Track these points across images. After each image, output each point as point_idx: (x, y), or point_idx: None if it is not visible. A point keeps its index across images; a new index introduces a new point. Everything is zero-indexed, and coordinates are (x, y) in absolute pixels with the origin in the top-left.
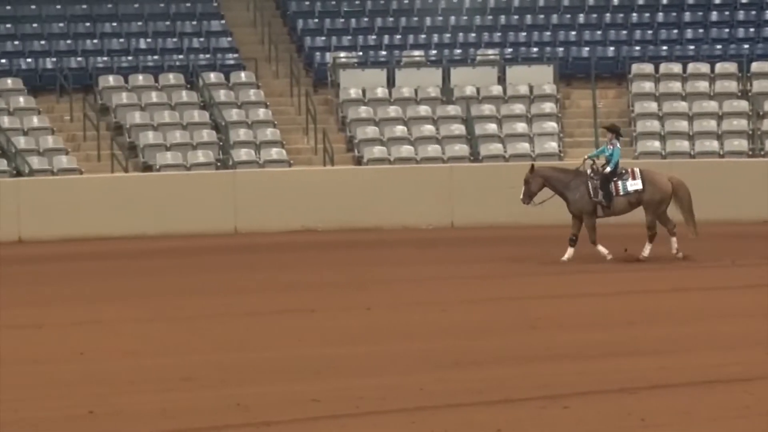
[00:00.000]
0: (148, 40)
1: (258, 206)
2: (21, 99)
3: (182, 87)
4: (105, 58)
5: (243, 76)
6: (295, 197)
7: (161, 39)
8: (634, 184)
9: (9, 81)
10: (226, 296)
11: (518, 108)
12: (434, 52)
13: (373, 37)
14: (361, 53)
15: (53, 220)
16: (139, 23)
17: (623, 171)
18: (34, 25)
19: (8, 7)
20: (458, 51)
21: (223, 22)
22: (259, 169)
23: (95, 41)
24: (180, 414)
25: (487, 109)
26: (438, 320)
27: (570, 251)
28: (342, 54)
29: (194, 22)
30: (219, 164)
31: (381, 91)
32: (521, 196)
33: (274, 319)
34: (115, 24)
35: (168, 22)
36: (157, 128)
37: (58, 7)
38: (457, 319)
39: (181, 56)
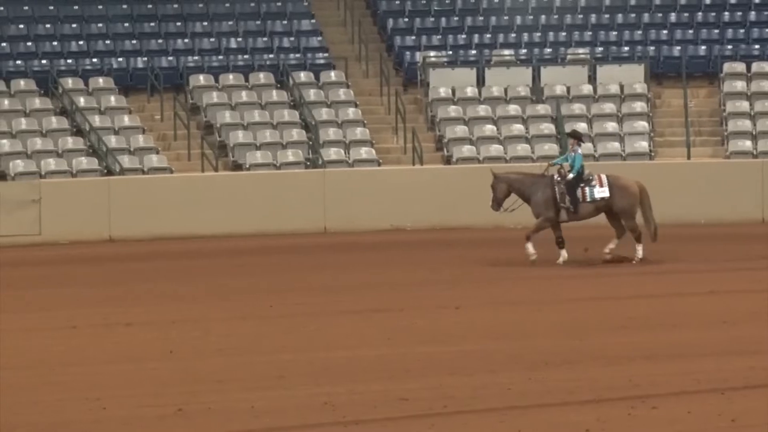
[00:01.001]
0: (239, 39)
1: (347, 205)
2: (112, 98)
3: (272, 86)
4: (196, 58)
5: (333, 75)
6: (384, 196)
7: (252, 38)
8: (601, 192)
9: (100, 80)
10: (316, 295)
11: (608, 107)
12: (524, 51)
13: (463, 36)
14: (450, 52)
15: (143, 219)
16: (230, 23)
17: (590, 177)
18: (126, 24)
19: (100, 7)
20: (548, 50)
21: (313, 21)
22: (349, 169)
23: (186, 41)
24: (269, 412)
25: (577, 108)
26: (529, 319)
27: (563, 253)
28: (432, 53)
29: (285, 22)
30: (308, 163)
31: (471, 90)
32: (490, 203)
33: (363, 317)
34: (206, 23)
35: (258, 22)
36: (247, 127)
37: (149, 6)
38: (548, 319)
39: (271, 55)
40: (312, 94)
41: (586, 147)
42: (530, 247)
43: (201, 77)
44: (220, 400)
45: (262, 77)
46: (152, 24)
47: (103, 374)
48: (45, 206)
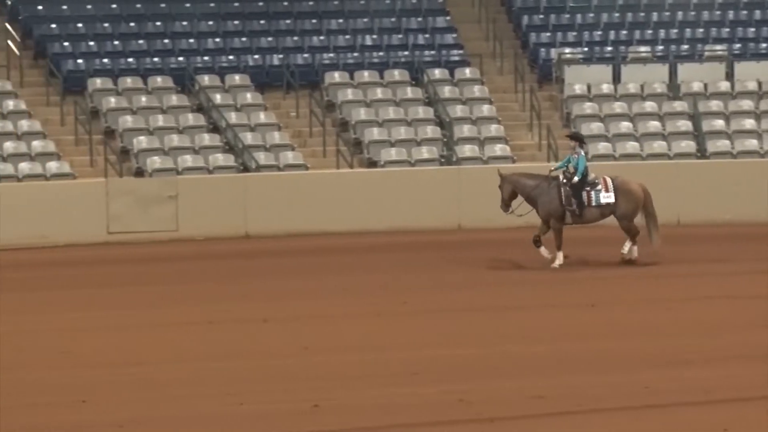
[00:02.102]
0: (374, 36)
1: (482, 202)
2: (248, 95)
3: (407, 83)
4: (331, 55)
5: (468, 72)
6: None
7: (387, 35)
8: (607, 197)
9: (237, 77)
10: (450, 292)
11: (746, 104)
12: (661, 47)
13: (599, 32)
14: (586, 49)
15: (279, 216)
16: (365, 20)
17: (596, 181)
18: (262, 21)
19: (236, 4)
20: (685, 46)
21: (448, 18)
22: (483, 166)
23: (322, 38)
24: (403, 409)
25: (715, 105)
26: (663, 318)
27: (542, 250)
28: (567, 50)
29: (420, 19)
30: (443, 161)
31: (606, 87)
32: (500, 205)
33: (497, 314)
34: (341, 21)
35: (393, 19)
36: (382, 124)
37: (285, 3)
38: (682, 317)
39: (406, 53)
40: (446, 91)
41: (723, 144)
42: (560, 256)
43: (336, 74)
44: (354, 397)
45: (396, 74)
46: (288, 21)
47: (239, 370)
48: (182, 203)
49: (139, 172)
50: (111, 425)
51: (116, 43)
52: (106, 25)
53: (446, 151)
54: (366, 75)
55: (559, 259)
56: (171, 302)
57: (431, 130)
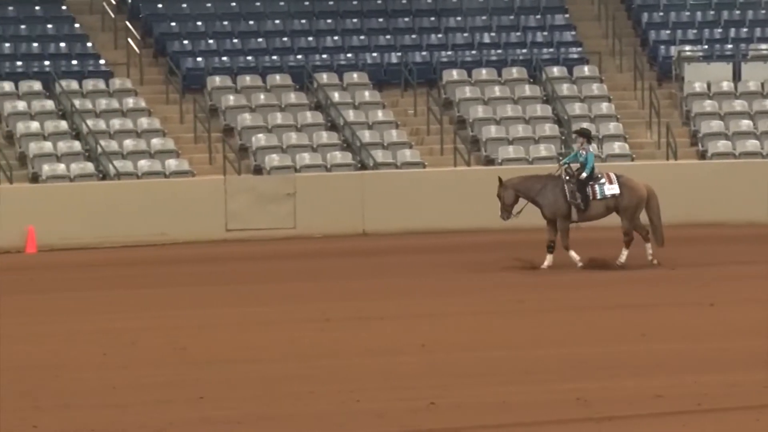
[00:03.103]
0: (492, 34)
1: None
2: (366, 93)
3: (525, 81)
4: (449, 53)
5: (586, 70)
6: None
7: (505, 33)
8: (611, 189)
9: (355, 75)
10: (566, 290)
11: None
12: None
13: (719, 30)
14: (706, 46)
15: (397, 213)
16: (484, 17)
17: (599, 175)
18: (380, 20)
19: (355, 2)
20: None
21: (566, 16)
22: (602, 164)
23: (440, 36)
24: (520, 407)
25: None
26: None
27: (549, 258)
28: (687, 47)
29: (538, 16)
30: (560, 158)
31: (726, 85)
32: (500, 213)
33: (615, 313)
34: (459, 18)
35: (512, 17)
36: (500, 122)
37: (404, 1)
38: None
39: (524, 50)
40: (565, 89)
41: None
42: (574, 254)
43: (454, 72)
44: (472, 395)
45: (515, 72)
46: (406, 19)
47: (355, 367)
48: (299, 200)
49: (258, 170)
50: (229, 422)
51: (235, 41)
52: (225, 23)
53: (564, 149)
54: (484, 73)
55: (574, 257)
56: (288, 299)
57: (549, 128)
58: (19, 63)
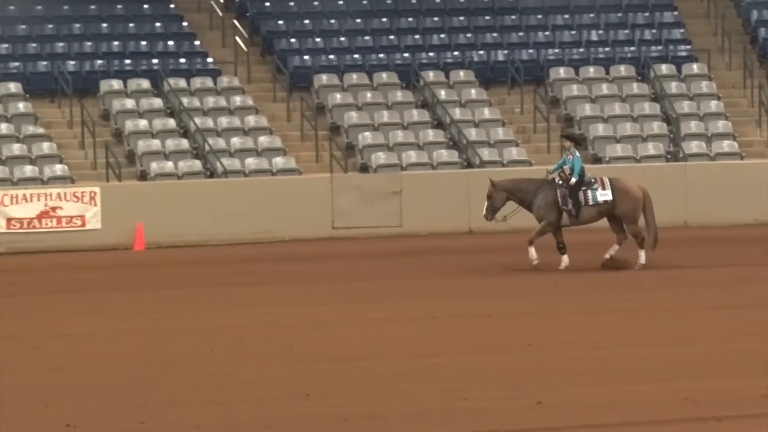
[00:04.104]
0: (600, 31)
1: (708, 199)
2: (473, 91)
3: (633, 79)
4: (556, 50)
5: (695, 67)
6: (747, 191)
7: (613, 30)
8: (604, 195)
9: (461, 73)
10: (676, 289)
11: None
12: None
13: None
14: None
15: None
16: (591, 15)
17: (592, 180)
18: (487, 17)
19: (462, 0)
20: None
21: (675, 13)
22: (710, 162)
23: (547, 33)
24: (627, 407)
25: None
26: None
27: (564, 258)
28: None
29: (647, 14)
30: (669, 157)
31: None
32: (483, 212)
33: (724, 312)
34: (566, 16)
35: (620, 14)
36: (607, 120)
37: None
38: None
39: (632, 48)
40: (673, 87)
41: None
42: (533, 252)
43: (561, 70)
44: (579, 394)
45: (622, 70)
46: (513, 17)
47: (461, 365)
48: (405, 198)
49: (364, 168)
50: (336, 418)
51: (342, 39)
52: (332, 21)
53: (672, 148)
54: (591, 71)
55: (532, 254)
56: (394, 297)
57: (657, 126)
58: (127, 61)
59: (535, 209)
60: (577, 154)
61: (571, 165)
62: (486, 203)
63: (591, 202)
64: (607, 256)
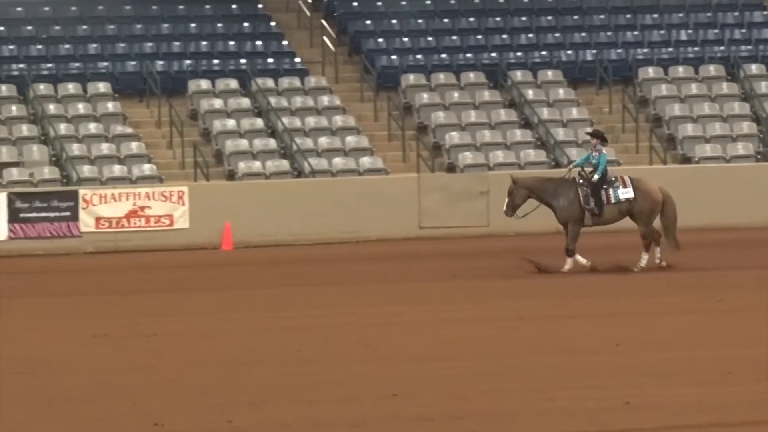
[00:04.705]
0: (689, 31)
1: None
2: (561, 91)
3: (722, 79)
4: (645, 50)
5: None
6: None
7: (702, 30)
8: (626, 193)
9: (549, 73)
10: (758, 290)
11: None
12: None
13: None
14: None
15: None
16: (680, 14)
17: (613, 178)
18: (575, 17)
19: (549, 0)
20: None
21: (765, 13)
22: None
23: (635, 33)
24: (717, 408)
25: None
26: None
27: (569, 261)
28: None
29: (736, 13)
30: (759, 157)
31: None
32: (504, 209)
33: None
34: (656, 15)
35: (709, 14)
36: (696, 120)
37: None
38: None
39: (722, 48)
40: (763, 87)
41: None
42: (580, 259)
43: (650, 69)
44: (667, 395)
45: (712, 69)
46: (602, 16)
47: (548, 366)
48: (493, 198)
49: (451, 168)
50: (421, 419)
51: (429, 39)
52: (420, 21)
53: (762, 148)
54: (681, 70)
55: (569, 264)
56: (480, 297)
57: (747, 126)
58: (215, 61)
59: (558, 209)
60: (604, 151)
61: (595, 162)
62: (506, 200)
63: (613, 201)
64: (659, 260)
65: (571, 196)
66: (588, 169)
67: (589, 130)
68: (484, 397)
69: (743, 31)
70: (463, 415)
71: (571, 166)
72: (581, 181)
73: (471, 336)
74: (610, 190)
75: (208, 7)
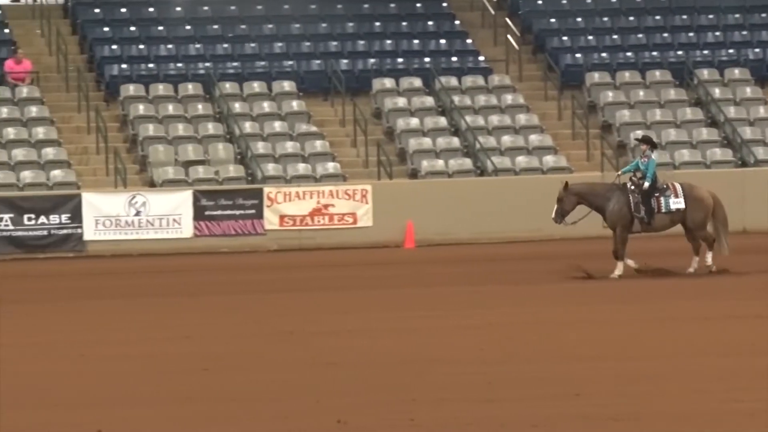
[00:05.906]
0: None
1: None
2: (748, 89)
3: None
4: None
5: None
6: None
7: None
8: (677, 203)
9: (736, 71)
10: None
11: None
12: None
13: None
14: None
15: None
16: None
17: (665, 186)
18: (763, 15)
19: None
20: None
21: None
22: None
23: None
24: None
25: None
26: None
27: (620, 266)
28: None
29: None
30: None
31: None
32: (552, 215)
33: None
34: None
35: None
36: None
37: None
38: None
39: None
40: None
41: None
42: (630, 262)
43: None
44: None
45: None
46: None
47: (733, 365)
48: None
49: None
50: (606, 418)
51: (615, 37)
52: (605, 19)
53: None
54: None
55: (619, 269)
56: (663, 296)
57: None
58: (399, 60)
59: (608, 215)
60: (653, 157)
61: (645, 168)
62: (555, 206)
63: (664, 210)
64: (710, 263)
65: (621, 202)
66: (639, 175)
67: (639, 135)
68: (668, 397)
69: None
70: (649, 414)
71: (619, 172)
72: (632, 187)
73: (655, 335)
74: (662, 199)
75: (392, 5)
